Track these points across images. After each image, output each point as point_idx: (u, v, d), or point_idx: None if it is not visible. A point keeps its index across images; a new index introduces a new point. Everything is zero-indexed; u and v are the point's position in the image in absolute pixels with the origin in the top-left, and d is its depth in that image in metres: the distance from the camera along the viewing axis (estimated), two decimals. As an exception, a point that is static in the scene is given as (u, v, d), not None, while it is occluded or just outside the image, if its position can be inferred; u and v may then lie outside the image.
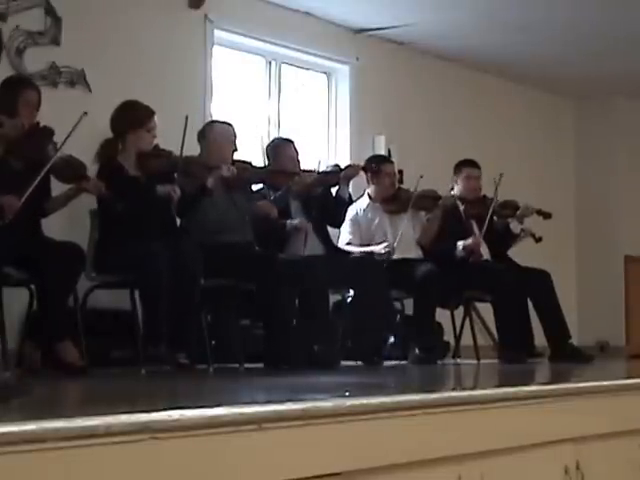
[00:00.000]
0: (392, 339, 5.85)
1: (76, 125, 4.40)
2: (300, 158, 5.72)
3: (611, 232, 9.05)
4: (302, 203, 5.60)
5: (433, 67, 7.98)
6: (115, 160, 4.82)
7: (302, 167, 5.63)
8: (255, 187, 5.51)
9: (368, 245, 5.99)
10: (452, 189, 6.32)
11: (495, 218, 6.24)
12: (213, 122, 5.53)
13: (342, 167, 5.78)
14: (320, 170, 5.65)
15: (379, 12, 7.04)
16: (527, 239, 6.30)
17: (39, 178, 4.29)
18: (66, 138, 4.39)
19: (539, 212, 6.35)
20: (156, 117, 4.93)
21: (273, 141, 5.95)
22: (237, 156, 5.33)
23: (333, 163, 6.15)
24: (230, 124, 5.38)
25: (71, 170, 4.51)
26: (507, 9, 7.00)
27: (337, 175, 5.66)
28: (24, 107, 4.44)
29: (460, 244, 5.97)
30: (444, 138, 7.77)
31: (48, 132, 4.42)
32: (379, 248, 5.86)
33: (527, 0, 6.86)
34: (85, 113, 4.43)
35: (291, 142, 5.76)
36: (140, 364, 4.44)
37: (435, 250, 6.00)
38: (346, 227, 6.00)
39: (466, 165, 6.32)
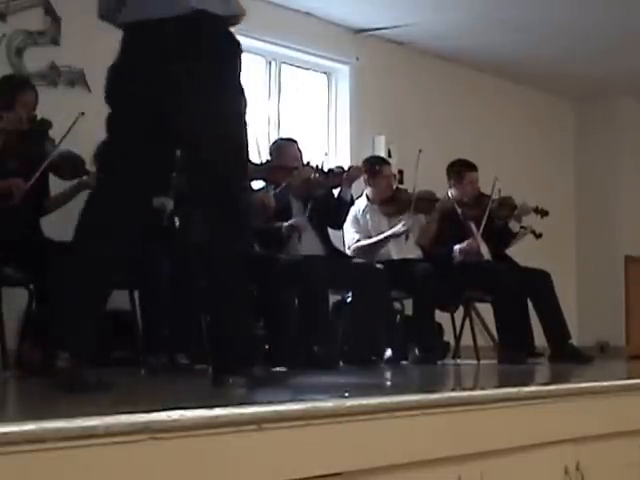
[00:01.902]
0: (389, 351, 5.83)
1: (73, 125, 4.40)
2: (303, 157, 5.71)
3: (611, 232, 9.05)
4: (304, 204, 5.59)
5: (433, 67, 7.98)
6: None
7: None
8: (256, 187, 5.50)
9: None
10: (449, 189, 6.32)
11: (493, 217, 6.24)
12: None
13: (345, 169, 5.78)
14: (323, 166, 5.63)
15: (379, 12, 7.05)
16: (527, 236, 6.30)
17: (40, 171, 4.30)
18: (63, 137, 4.40)
19: (536, 210, 6.35)
20: None
21: (276, 141, 5.94)
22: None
23: (335, 165, 6.14)
24: None
25: (70, 166, 4.51)
26: (506, 9, 7.00)
27: (340, 177, 5.65)
28: (21, 107, 4.43)
29: (457, 248, 5.97)
30: (444, 138, 7.77)
31: (46, 125, 4.42)
32: (397, 228, 5.87)
33: (526, 0, 6.86)
34: (82, 113, 4.43)
35: (294, 142, 5.75)
36: (140, 364, 4.45)
37: (434, 254, 6.01)
38: (350, 228, 6.00)
39: (467, 169, 6.29)
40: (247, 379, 2.83)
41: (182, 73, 2.84)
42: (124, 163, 2.93)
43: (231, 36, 3.02)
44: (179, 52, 2.85)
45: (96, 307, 2.90)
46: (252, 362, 2.94)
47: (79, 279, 2.85)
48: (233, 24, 3.05)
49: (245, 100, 3.01)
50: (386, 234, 5.91)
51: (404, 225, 5.84)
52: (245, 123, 3.01)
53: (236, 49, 3.04)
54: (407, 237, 5.88)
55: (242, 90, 3.01)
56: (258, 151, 5.36)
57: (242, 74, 3.05)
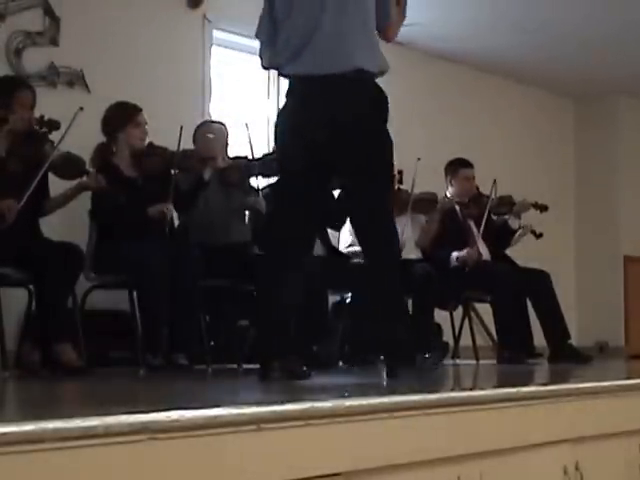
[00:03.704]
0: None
1: (72, 121, 4.39)
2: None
3: (611, 232, 9.05)
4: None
5: (433, 67, 7.98)
6: (111, 162, 4.81)
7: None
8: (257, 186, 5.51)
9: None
10: (447, 189, 6.32)
11: (493, 216, 6.24)
12: (204, 123, 5.55)
13: None
14: None
15: (378, 12, 7.04)
16: (527, 236, 6.30)
17: (38, 177, 4.29)
18: (63, 135, 4.39)
19: (535, 205, 6.35)
20: (145, 114, 4.91)
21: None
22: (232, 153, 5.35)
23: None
24: (222, 123, 5.40)
25: (71, 166, 4.51)
26: (507, 10, 7.01)
27: None
28: (19, 107, 4.43)
29: (454, 255, 5.97)
30: (444, 138, 7.77)
31: (55, 125, 4.42)
32: None
33: (527, 0, 6.86)
34: (81, 108, 4.42)
35: None
36: (139, 365, 4.45)
37: (434, 254, 6.01)
38: (346, 231, 6.00)
39: (461, 166, 6.30)
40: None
41: (344, 119, 3.46)
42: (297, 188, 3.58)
43: (380, 88, 3.64)
44: (341, 102, 3.47)
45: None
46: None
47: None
48: (380, 76, 3.65)
49: (390, 139, 3.77)
50: None
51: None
52: (392, 156, 3.86)
53: (385, 99, 3.68)
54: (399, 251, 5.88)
55: (387, 131, 3.75)
56: (251, 150, 5.35)
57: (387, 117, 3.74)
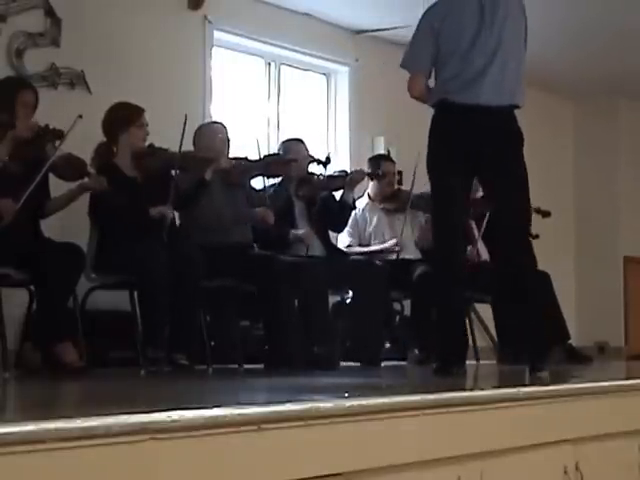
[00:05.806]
0: (388, 344, 5.84)
1: (71, 129, 4.39)
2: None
3: (610, 233, 9.05)
4: (306, 206, 5.61)
5: (432, 68, 7.98)
6: (111, 162, 4.81)
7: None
8: (257, 186, 5.51)
9: (367, 246, 6.01)
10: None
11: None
12: (205, 124, 5.56)
13: (348, 172, 5.80)
14: (328, 159, 5.67)
15: (378, 13, 7.05)
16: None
17: (38, 178, 4.29)
18: (62, 141, 4.39)
19: (538, 210, 6.35)
20: (147, 115, 4.90)
21: (285, 141, 5.96)
22: (232, 154, 5.36)
23: (335, 167, 6.14)
24: (221, 123, 5.40)
25: (72, 168, 4.51)
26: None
27: (342, 180, 5.67)
28: (21, 108, 4.43)
29: None
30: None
31: (58, 134, 4.41)
32: (389, 244, 5.88)
33: (526, 0, 6.86)
34: (80, 116, 4.41)
35: (301, 142, 5.78)
36: (139, 365, 4.45)
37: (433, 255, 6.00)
38: (345, 231, 6.00)
39: None
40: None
41: (497, 145, 3.89)
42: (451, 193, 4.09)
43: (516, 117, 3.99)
44: (494, 130, 3.90)
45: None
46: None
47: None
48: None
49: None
50: (377, 248, 5.93)
51: (397, 245, 5.86)
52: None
53: (520, 130, 3.98)
54: (398, 255, 5.90)
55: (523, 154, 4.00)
56: (258, 151, 5.37)
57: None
